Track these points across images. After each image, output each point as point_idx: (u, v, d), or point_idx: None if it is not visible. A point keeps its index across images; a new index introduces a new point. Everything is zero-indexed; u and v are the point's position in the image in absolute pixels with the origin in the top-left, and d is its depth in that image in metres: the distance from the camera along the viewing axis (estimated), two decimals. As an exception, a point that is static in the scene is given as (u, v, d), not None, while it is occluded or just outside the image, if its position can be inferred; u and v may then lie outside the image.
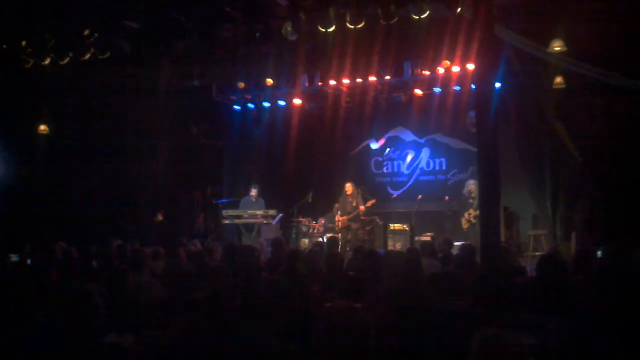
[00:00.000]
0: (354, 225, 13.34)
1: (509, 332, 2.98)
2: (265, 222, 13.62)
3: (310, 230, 14.27)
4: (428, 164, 15.21)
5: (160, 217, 13.98)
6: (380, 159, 15.70)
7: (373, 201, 13.37)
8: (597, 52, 9.86)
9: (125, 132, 13.36)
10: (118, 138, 13.30)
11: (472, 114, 13.32)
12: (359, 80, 13.79)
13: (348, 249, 12.67)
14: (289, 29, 10.19)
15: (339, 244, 11.62)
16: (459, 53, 12.18)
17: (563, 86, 10.96)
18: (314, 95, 15.11)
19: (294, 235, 14.33)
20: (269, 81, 14.22)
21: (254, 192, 14.12)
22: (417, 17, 9.55)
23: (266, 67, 13.65)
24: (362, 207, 13.26)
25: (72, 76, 11.89)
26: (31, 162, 13.03)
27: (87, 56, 11.00)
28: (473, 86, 12.04)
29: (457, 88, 13.62)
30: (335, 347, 2.93)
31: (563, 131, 11.42)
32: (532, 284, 5.87)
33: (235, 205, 14.36)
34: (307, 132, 15.58)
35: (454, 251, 8.51)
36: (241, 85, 14.60)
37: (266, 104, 15.30)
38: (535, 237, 12.29)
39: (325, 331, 2.98)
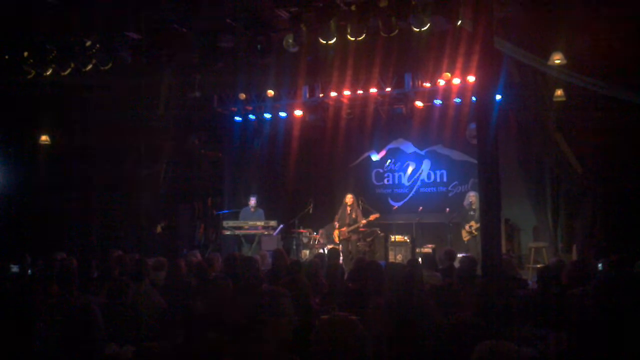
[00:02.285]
0: (354, 237, 13.33)
1: (510, 344, 2.97)
2: (265, 233, 13.62)
3: (311, 242, 14.26)
4: (429, 175, 15.22)
5: (160, 228, 13.97)
6: (381, 170, 15.70)
7: (377, 215, 13.35)
8: (597, 65, 9.88)
9: (126, 143, 13.36)
10: (119, 149, 13.31)
11: (472, 125, 13.38)
12: (359, 92, 13.84)
13: (351, 259, 12.64)
14: (290, 40, 10.23)
15: (339, 256, 11.60)
16: (459, 65, 12.22)
17: (563, 99, 10.98)
18: (314, 107, 15.16)
19: (294, 247, 14.32)
20: (270, 92, 14.26)
21: (252, 202, 14.13)
22: (417, 30, 9.58)
23: (267, 78, 13.68)
24: (363, 221, 13.24)
25: (73, 87, 11.92)
26: (32, 173, 13.04)
27: (89, 67, 11.04)
28: (473, 98, 12.06)
29: (458, 100, 13.66)
30: (332, 359, 2.92)
31: (563, 143, 11.43)
32: (533, 296, 5.86)
33: (235, 216, 14.37)
34: (308, 143, 15.61)
35: (456, 263, 8.50)
36: (242, 96, 14.64)
37: (267, 116, 15.34)
38: (536, 250, 12.28)
39: (321, 343, 2.98)
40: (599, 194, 11.12)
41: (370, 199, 14.49)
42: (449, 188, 14.88)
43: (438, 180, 15.12)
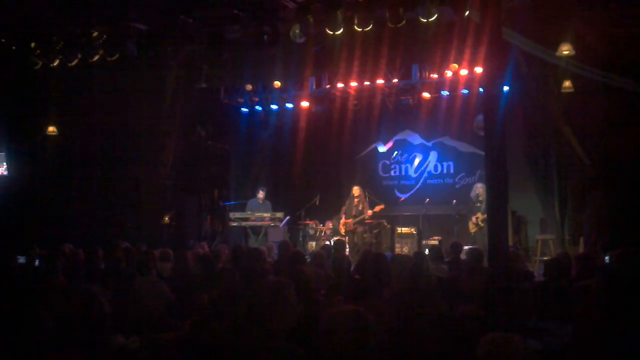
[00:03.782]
0: (360, 229, 13.32)
1: (515, 336, 2.96)
2: (272, 224, 13.62)
3: (318, 233, 14.27)
4: (436, 167, 15.18)
5: (167, 220, 13.99)
6: (387, 162, 15.67)
7: (382, 206, 13.33)
8: (605, 56, 9.82)
9: (133, 134, 13.38)
10: (125, 140, 13.34)
11: (479, 117, 13.32)
12: (366, 83, 13.81)
13: (357, 251, 12.65)
14: (297, 31, 10.19)
15: (346, 247, 11.61)
16: (467, 56, 12.15)
17: (571, 90, 10.93)
18: (321, 98, 15.13)
19: (301, 238, 14.35)
20: (277, 84, 14.22)
21: (261, 194, 14.12)
22: (425, 21, 9.54)
23: (274, 69, 13.63)
24: (369, 212, 13.23)
25: (80, 78, 11.94)
26: (39, 164, 13.07)
27: (96, 58, 11.05)
28: (481, 89, 12.02)
29: (465, 91, 13.61)
30: (338, 350, 2.92)
31: (571, 135, 11.38)
32: (539, 289, 5.85)
33: (242, 207, 14.37)
34: (315, 134, 15.59)
35: (463, 256, 8.49)
36: (249, 87, 14.63)
37: (274, 107, 15.33)
38: (543, 242, 12.22)
39: (328, 334, 2.97)
40: (606, 186, 11.07)
41: (376, 190, 14.47)
42: (456, 180, 14.84)
43: (445, 171, 15.08)
